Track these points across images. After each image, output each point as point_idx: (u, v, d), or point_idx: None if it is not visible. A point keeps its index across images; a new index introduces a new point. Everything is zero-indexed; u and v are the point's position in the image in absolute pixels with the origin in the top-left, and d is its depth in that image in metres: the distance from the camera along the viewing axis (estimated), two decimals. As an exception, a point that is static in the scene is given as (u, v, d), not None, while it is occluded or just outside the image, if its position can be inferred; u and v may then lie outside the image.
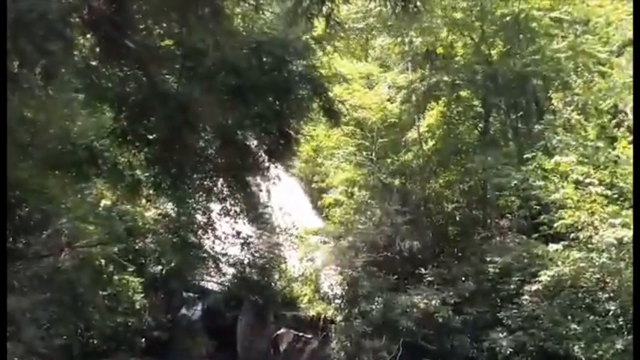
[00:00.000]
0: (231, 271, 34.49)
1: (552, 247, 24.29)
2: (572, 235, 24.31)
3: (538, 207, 27.17)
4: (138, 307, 26.05)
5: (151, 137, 11.44)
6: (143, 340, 27.95)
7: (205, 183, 12.26)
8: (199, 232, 33.41)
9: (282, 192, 44.81)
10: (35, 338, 16.44)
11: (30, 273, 16.32)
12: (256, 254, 35.27)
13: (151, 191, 12.49)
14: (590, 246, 23.95)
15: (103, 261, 23.90)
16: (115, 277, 25.35)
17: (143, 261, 30.23)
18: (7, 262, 16.43)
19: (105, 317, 23.81)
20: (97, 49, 10.47)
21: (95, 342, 24.50)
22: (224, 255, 34.37)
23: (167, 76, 11.24)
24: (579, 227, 24.12)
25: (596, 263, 23.48)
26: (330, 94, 11.28)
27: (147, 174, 11.99)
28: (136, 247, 28.66)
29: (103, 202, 25.13)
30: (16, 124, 12.27)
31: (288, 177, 48.20)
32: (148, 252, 30.60)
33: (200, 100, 11.32)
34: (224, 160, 11.45)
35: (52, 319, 18.89)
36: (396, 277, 30.24)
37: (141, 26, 10.34)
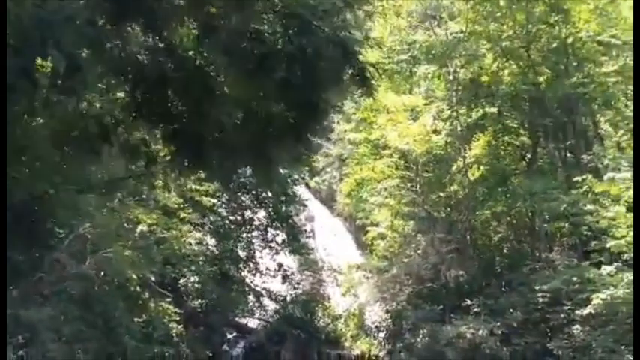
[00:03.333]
0: (273, 306, 33.60)
1: (605, 269, 22.81)
2: (625, 256, 22.83)
3: (589, 233, 25.86)
4: (174, 335, 24.86)
5: (168, 111, 10.52)
6: (181, 371, 26.84)
7: (227, 162, 11.13)
8: (240, 264, 32.56)
9: (327, 232, 44.29)
10: (58, 351, 15.49)
11: (51, 281, 15.42)
12: (298, 290, 34.46)
13: (167, 170, 11.34)
14: (645, 267, 22.44)
15: (137, 287, 22.95)
16: (152, 305, 24.27)
17: (183, 294, 29.43)
18: (28, 273, 15.69)
19: (140, 343, 22.71)
20: (108, 8, 9.61)
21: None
22: (266, 290, 33.52)
23: (185, 43, 10.33)
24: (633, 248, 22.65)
25: (652, 285, 21.96)
26: (362, 59, 10.21)
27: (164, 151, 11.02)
28: (175, 277, 27.56)
29: (140, 228, 24.17)
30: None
31: (333, 217, 47.69)
32: (187, 283, 29.80)
33: (221, 69, 10.41)
34: (247, 134, 10.45)
35: (80, 333, 17.88)
36: (441, 307, 29.15)
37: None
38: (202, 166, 11.34)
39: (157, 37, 10.26)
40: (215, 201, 28.35)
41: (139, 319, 23.42)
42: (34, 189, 15.33)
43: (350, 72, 10.26)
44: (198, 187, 26.32)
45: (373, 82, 10.44)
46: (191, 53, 10.40)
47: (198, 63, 10.37)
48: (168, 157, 11.03)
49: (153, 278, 24.00)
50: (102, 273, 19.68)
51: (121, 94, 10.67)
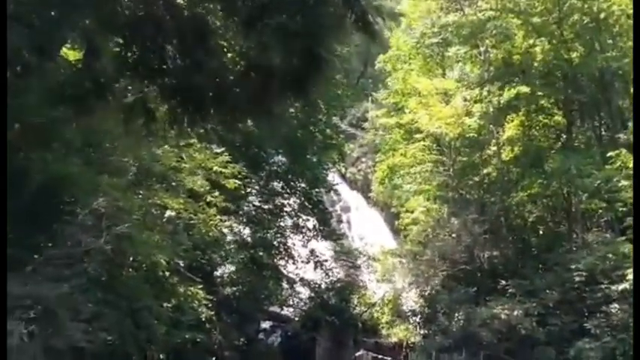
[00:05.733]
0: (307, 294, 33.10)
1: (640, 243, 21.97)
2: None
3: (624, 209, 25.09)
4: (205, 321, 24.29)
5: (164, 66, 10.03)
6: (214, 359, 26.35)
7: (228, 118, 10.63)
8: (273, 251, 32.07)
9: (363, 222, 43.86)
10: (74, 329, 15.01)
11: (67, 257, 14.97)
12: (333, 278, 33.97)
13: (167, 127, 10.81)
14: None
15: (166, 272, 22.38)
16: (181, 290, 23.68)
17: (216, 281, 29.02)
18: (42, 249, 15.32)
19: (169, 328, 22.18)
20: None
21: (160, 355, 22.93)
22: (299, 277, 33.07)
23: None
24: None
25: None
26: (364, 2, 9.63)
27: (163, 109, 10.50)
28: (206, 263, 27.01)
29: (168, 213, 23.66)
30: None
31: (369, 208, 47.24)
32: (219, 270, 29.42)
33: (218, 18, 9.92)
34: (247, 87, 9.94)
35: (100, 314, 17.41)
36: (475, 289, 28.53)
37: None
38: (202, 122, 10.82)
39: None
40: (241, 183, 27.57)
41: (168, 304, 22.86)
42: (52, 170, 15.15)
43: (352, 17, 9.71)
44: (222, 170, 25.65)
45: (376, 27, 9.84)
46: (187, 3, 9.96)
47: (195, 12, 9.91)
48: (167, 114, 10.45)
49: (182, 264, 23.45)
50: (129, 257, 19.33)
51: (116, 50, 10.14)
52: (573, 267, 25.38)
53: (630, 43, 27.94)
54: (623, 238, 24.33)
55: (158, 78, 10.16)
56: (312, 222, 33.51)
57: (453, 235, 31.09)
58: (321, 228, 33.68)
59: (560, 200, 30.34)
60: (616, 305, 23.71)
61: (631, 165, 23.87)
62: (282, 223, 33.16)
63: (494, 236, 30.34)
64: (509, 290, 27.00)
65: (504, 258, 29.69)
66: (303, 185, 33.48)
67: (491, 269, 29.44)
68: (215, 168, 25.26)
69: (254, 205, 32.51)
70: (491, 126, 31.96)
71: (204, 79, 9.88)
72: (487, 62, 32.09)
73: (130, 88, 10.33)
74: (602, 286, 24.27)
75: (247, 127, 23.93)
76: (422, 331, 30.86)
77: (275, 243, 32.20)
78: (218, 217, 26.07)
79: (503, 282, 27.54)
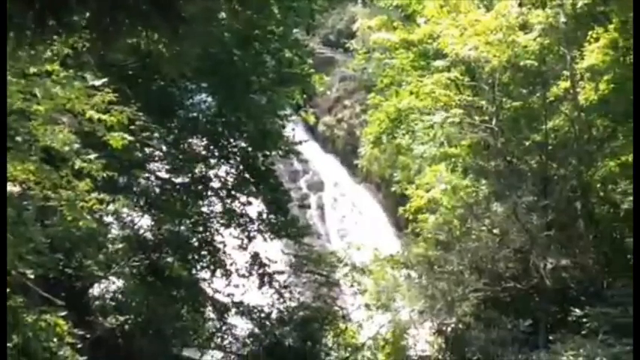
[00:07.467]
0: (247, 327, 32.97)
1: None
2: None
3: None
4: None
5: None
6: None
7: (103, 16, 10.50)
8: (190, 256, 31.93)
9: (344, 207, 44.06)
10: None
11: None
12: (293, 302, 33.82)
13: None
14: None
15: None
16: (28, 318, 23.59)
17: (89, 303, 28.96)
18: None
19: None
20: None
21: None
22: (235, 302, 32.86)
23: None
24: None
25: None
26: None
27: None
28: (72, 274, 26.89)
29: (7, 188, 23.47)
30: None
31: (355, 183, 47.40)
32: (96, 286, 29.36)
33: None
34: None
35: None
36: (531, 323, 28.69)
37: None
38: (62, 30, 10.71)
39: None
40: (135, 139, 27.19)
41: (8, 343, 22.80)
42: None
43: None
44: (103, 116, 25.22)
45: None
46: None
47: None
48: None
49: (31, 274, 23.24)
50: None
51: None
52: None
53: None
54: None
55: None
56: (256, 207, 33.29)
57: (496, 232, 31.16)
58: (273, 218, 33.48)
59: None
60: None
61: None
62: (205, 209, 32.96)
63: (564, 234, 30.40)
64: (588, 324, 27.14)
65: (580, 270, 29.79)
66: (242, 144, 33.10)
67: (557, 289, 29.53)
68: (90, 113, 24.94)
69: (158, 178, 32.28)
70: (562, 47, 31.92)
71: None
72: None
73: None
74: None
75: (146, 44, 23.66)
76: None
77: (193, 241, 32.05)
78: (95, 196, 25.92)
79: (578, 310, 27.62)
